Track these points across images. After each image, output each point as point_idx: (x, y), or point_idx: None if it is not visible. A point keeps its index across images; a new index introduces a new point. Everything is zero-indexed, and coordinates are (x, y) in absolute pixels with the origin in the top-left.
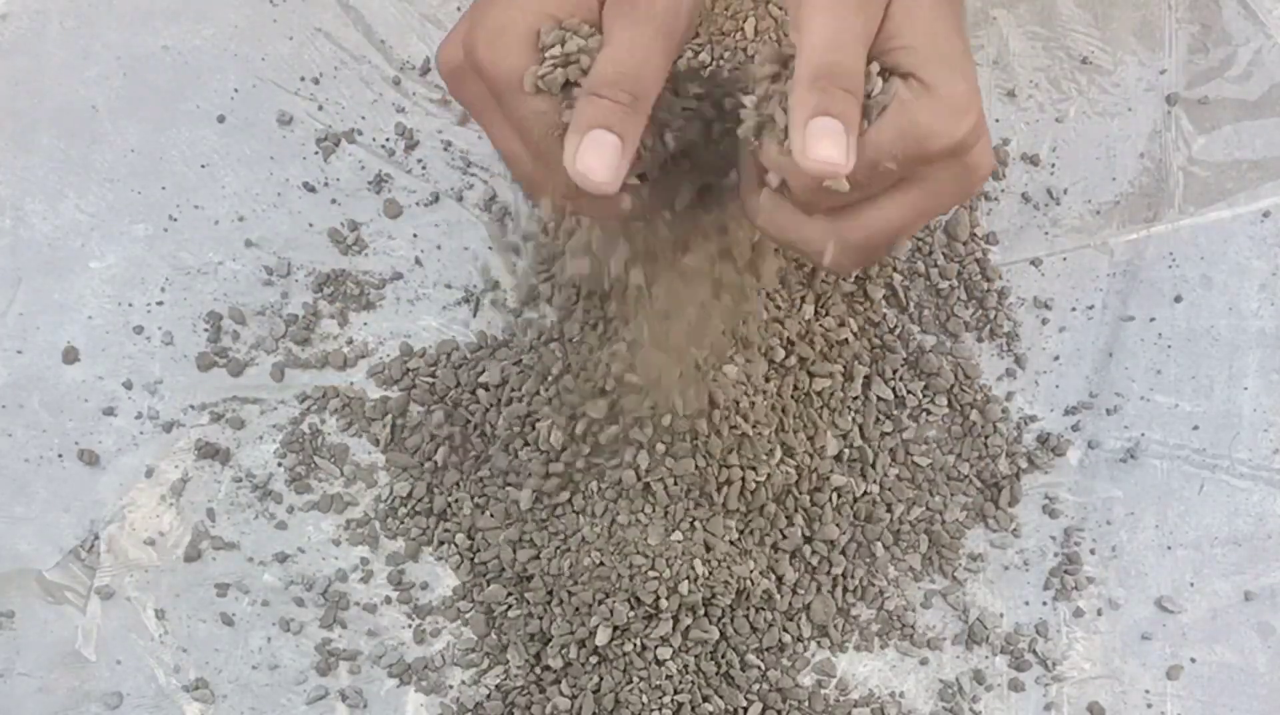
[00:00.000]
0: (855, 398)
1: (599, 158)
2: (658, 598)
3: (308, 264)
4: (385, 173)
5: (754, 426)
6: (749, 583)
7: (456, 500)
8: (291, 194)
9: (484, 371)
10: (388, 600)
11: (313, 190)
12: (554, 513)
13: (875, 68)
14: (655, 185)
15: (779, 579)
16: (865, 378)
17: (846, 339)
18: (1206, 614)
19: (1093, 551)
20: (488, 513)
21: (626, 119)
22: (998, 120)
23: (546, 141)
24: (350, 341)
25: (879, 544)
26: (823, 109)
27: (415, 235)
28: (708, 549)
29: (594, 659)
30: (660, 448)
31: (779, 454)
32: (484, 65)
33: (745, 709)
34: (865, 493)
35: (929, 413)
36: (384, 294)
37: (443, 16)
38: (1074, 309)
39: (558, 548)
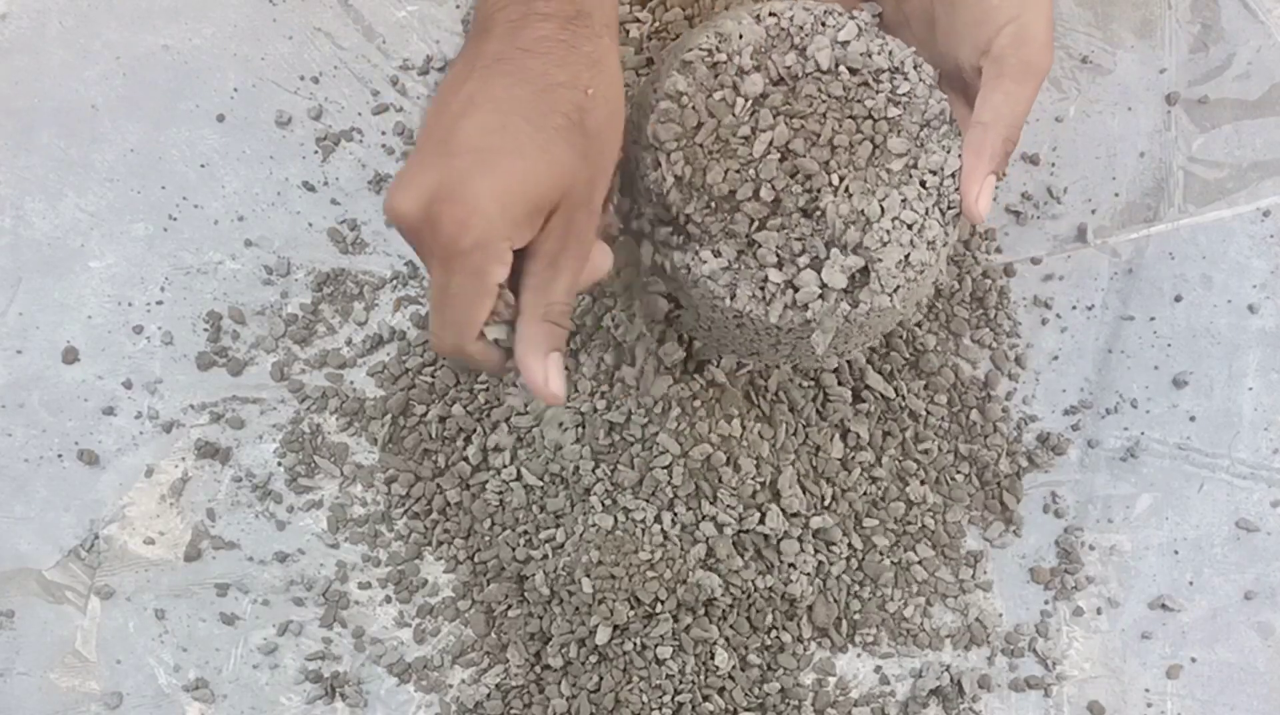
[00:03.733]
0: (857, 399)
1: (559, 375)
2: (657, 598)
3: (308, 264)
4: (385, 173)
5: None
6: (751, 585)
7: (457, 500)
8: (291, 194)
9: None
10: (388, 600)
11: (312, 190)
12: (554, 513)
13: None
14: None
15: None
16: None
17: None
18: (1206, 613)
19: (1092, 550)
20: (488, 512)
21: (564, 336)
22: None
23: (458, 301)
24: (350, 341)
25: (879, 544)
26: (997, 168)
27: None
28: (708, 550)
29: (594, 658)
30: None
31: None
32: (446, 244)
33: (745, 709)
34: (865, 493)
35: (929, 413)
36: (384, 294)
37: (443, 16)
38: (1074, 308)
39: (554, 548)
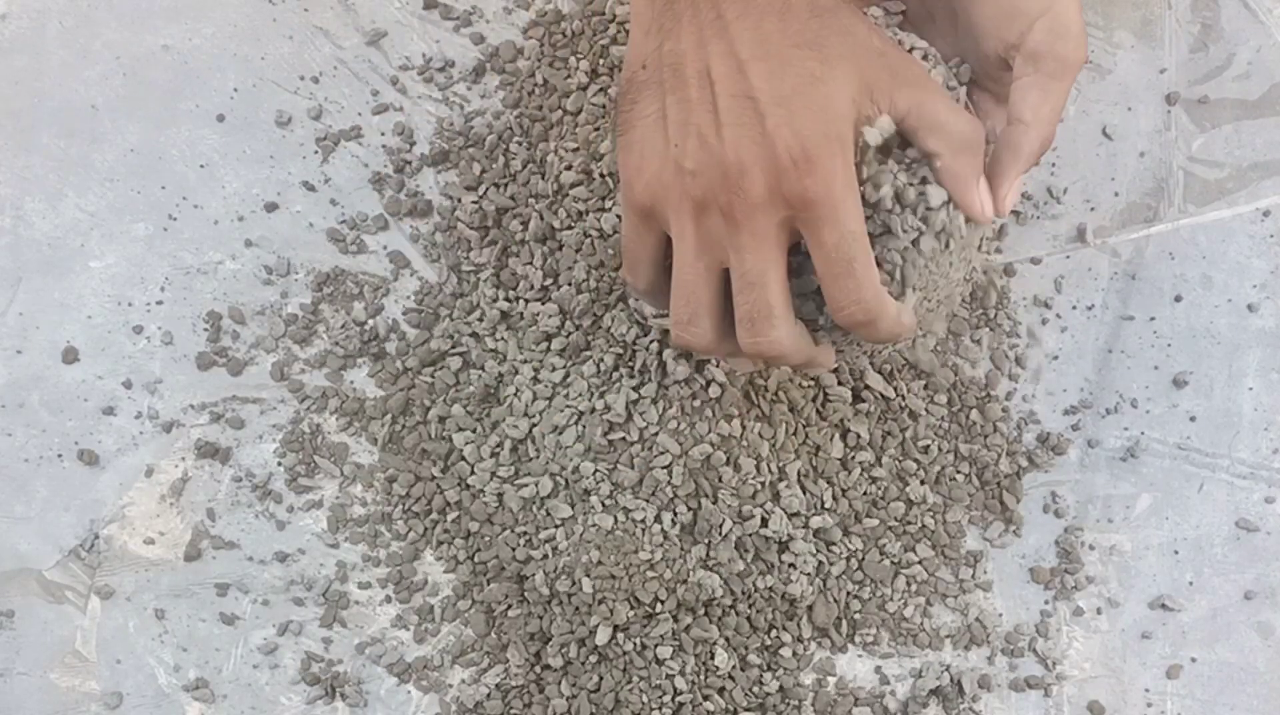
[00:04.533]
0: (857, 399)
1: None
2: (657, 598)
3: (308, 263)
4: (385, 173)
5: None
6: (751, 586)
7: (457, 500)
8: (291, 194)
9: (483, 369)
10: (388, 600)
11: (313, 190)
12: (553, 513)
13: None
14: None
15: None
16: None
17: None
18: (1206, 613)
19: (1092, 550)
20: (488, 513)
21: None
22: None
23: (862, 239)
24: (350, 341)
25: (879, 544)
26: (1031, 166)
27: (415, 234)
28: (708, 550)
29: (594, 658)
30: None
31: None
32: (814, 198)
33: (745, 709)
34: (865, 493)
35: (929, 413)
36: (383, 293)
37: (442, 15)
38: (1074, 308)
39: (554, 548)
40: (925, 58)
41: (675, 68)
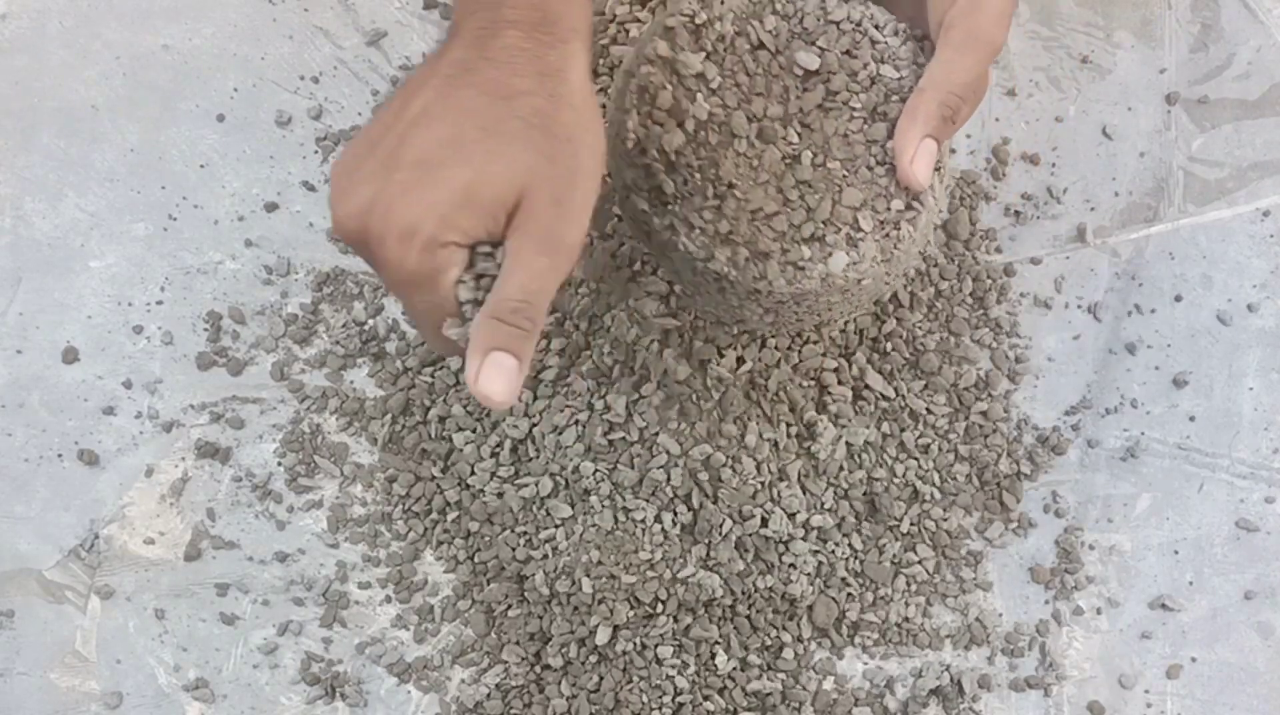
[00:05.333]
0: (857, 399)
1: (500, 379)
2: (657, 598)
3: (307, 263)
4: None
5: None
6: (751, 586)
7: (456, 500)
8: (291, 194)
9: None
10: (388, 600)
11: (313, 189)
12: (553, 513)
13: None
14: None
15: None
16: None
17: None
18: (1206, 613)
19: (1092, 550)
20: (487, 513)
21: (524, 342)
22: (998, 119)
23: (428, 318)
24: (350, 341)
25: (879, 545)
26: (932, 132)
27: None
28: (708, 550)
29: (594, 658)
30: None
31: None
32: (390, 259)
33: (745, 709)
34: (866, 492)
35: (929, 412)
36: (383, 293)
37: (442, 15)
38: (1074, 308)
39: (554, 548)
40: (897, 33)
41: (401, 92)
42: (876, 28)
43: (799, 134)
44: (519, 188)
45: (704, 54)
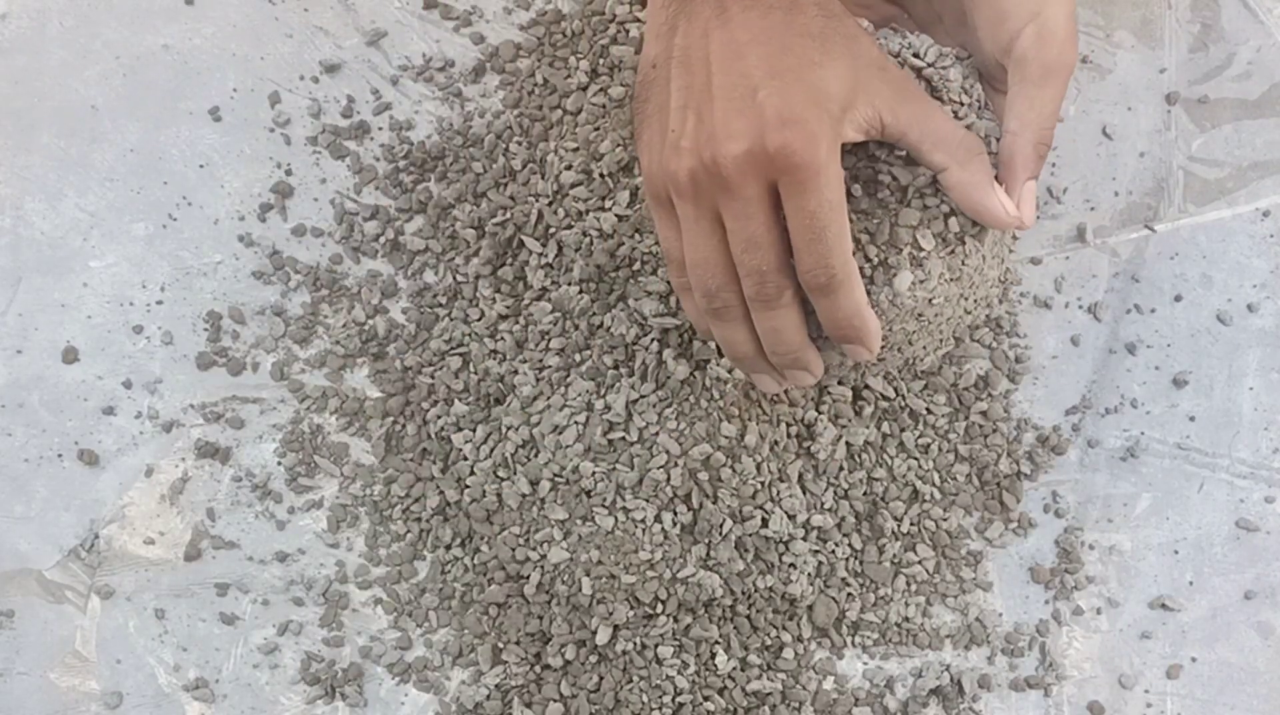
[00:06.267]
0: (857, 399)
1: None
2: (657, 598)
3: (308, 263)
4: (385, 172)
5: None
6: (752, 586)
7: (456, 500)
8: (291, 194)
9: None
10: (388, 600)
11: (312, 190)
12: (551, 514)
13: None
14: None
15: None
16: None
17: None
18: (1206, 613)
19: (1092, 550)
20: (487, 513)
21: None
22: None
23: (831, 215)
24: (350, 341)
25: (879, 544)
26: (1033, 173)
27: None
28: (708, 550)
29: (594, 658)
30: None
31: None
32: (807, 159)
33: (745, 709)
34: (866, 493)
35: (929, 412)
36: (384, 293)
37: (442, 15)
38: (1074, 308)
39: (554, 548)
40: (941, 58)
41: (681, 60)
42: (916, 56)
43: (848, 169)
44: (856, 75)
45: None
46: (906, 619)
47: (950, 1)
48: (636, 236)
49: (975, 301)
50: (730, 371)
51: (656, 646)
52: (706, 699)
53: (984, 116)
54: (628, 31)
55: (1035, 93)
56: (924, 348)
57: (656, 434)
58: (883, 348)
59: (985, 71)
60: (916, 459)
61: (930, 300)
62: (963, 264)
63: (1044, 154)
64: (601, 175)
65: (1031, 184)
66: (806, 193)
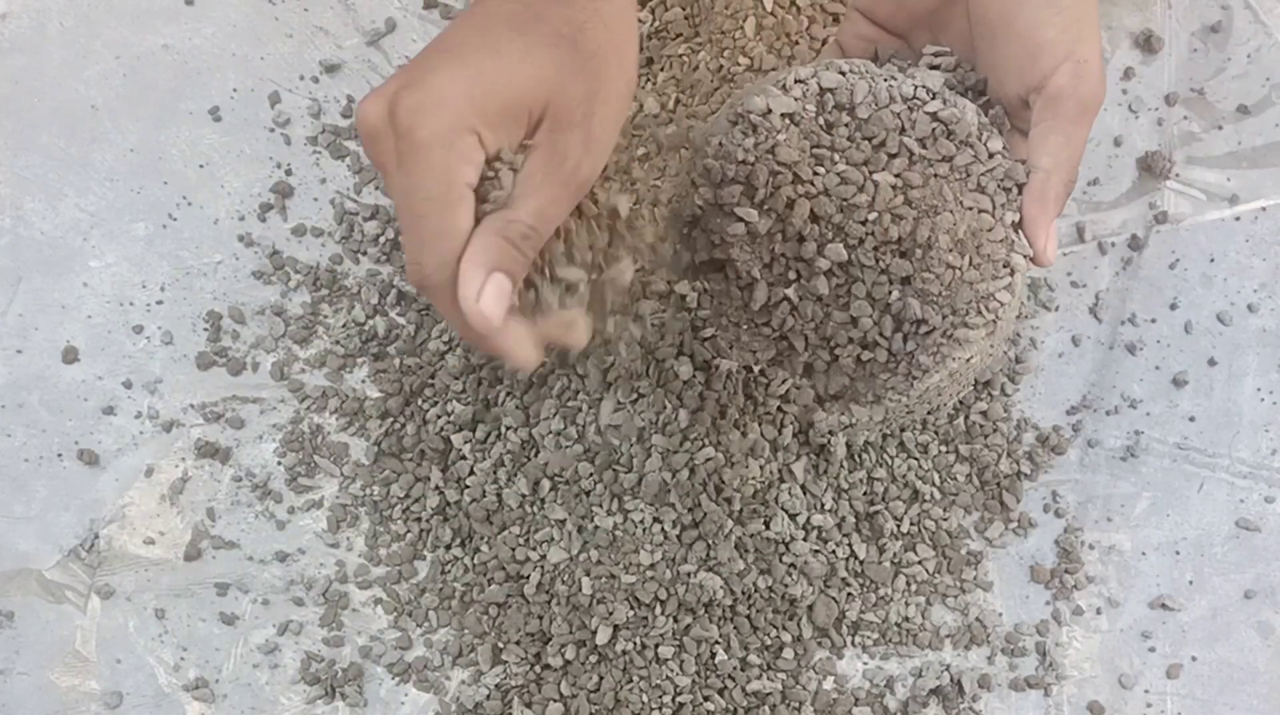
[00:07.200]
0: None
1: (498, 301)
2: (657, 598)
3: (308, 263)
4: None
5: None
6: (752, 586)
7: (456, 500)
8: (291, 194)
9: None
10: (388, 600)
11: (312, 190)
12: (551, 514)
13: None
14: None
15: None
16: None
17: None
18: (1206, 613)
19: (1092, 550)
20: (487, 513)
21: (522, 268)
22: None
23: (426, 207)
24: (350, 341)
25: (879, 544)
26: (1061, 211)
27: None
28: (708, 551)
29: (594, 658)
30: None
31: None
32: (402, 127)
33: (745, 709)
34: (866, 493)
35: (929, 412)
36: (384, 293)
37: (440, 15)
38: (1075, 308)
39: (554, 548)
40: (945, 100)
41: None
42: (932, 95)
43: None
44: (545, 97)
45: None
46: (906, 619)
47: (959, 38)
48: None
49: (999, 345)
50: (731, 373)
51: (657, 646)
52: (706, 699)
53: (1005, 156)
54: None
55: (1071, 130)
56: (948, 398)
57: (656, 434)
58: (913, 406)
59: (1005, 106)
60: (916, 459)
61: (969, 359)
62: (996, 319)
63: (1071, 191)
64: None
65: (1055, 223)
66: (404, 170)
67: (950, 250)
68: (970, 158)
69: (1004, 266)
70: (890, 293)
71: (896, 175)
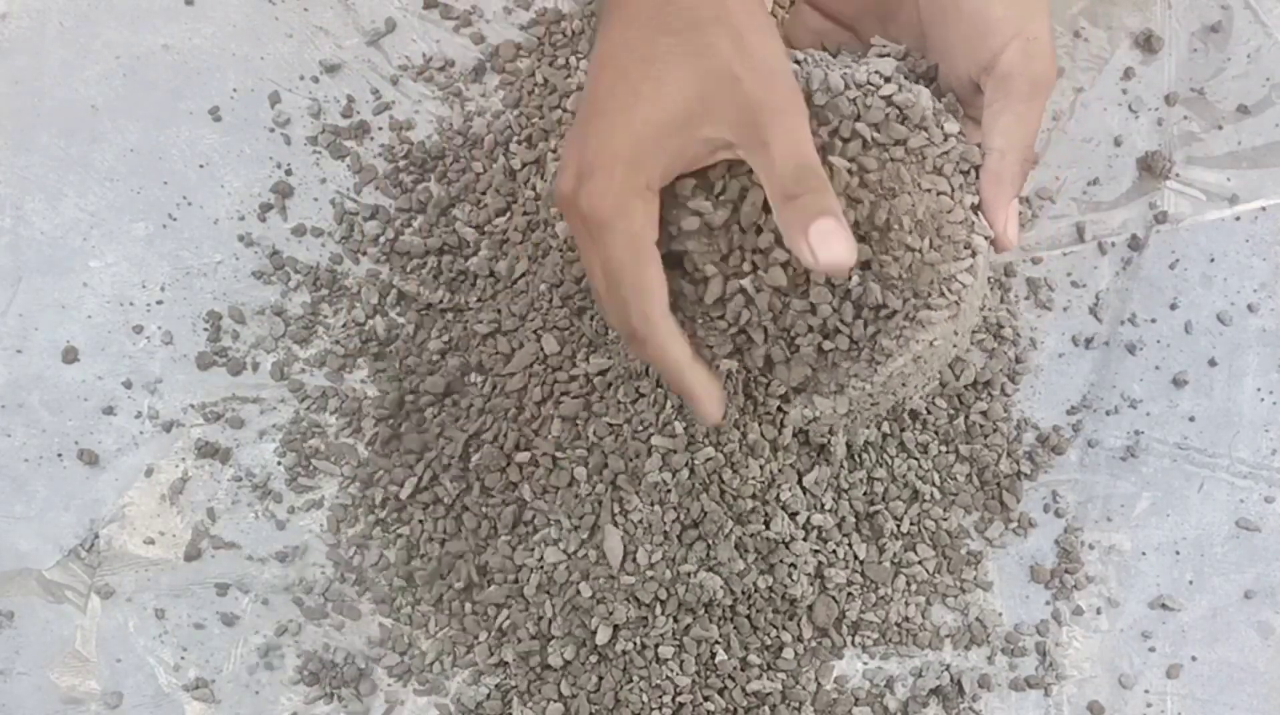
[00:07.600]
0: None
1: (833, 239)
2: (657, 598)
3: (308, 263)
4: (385, 172)
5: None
6: (752, 586)
7: (455, 500)
8: (291, 194)
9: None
10: (387, 600)
11: (312, 190)
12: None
13: None
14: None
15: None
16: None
17: None
18: (1206, 612)
19: (1092, 550)
20: (487, 513)
21: (826, 196)
22: None
23: (621, 274)
24: (350, 341)
25: (879, 544)
26: (1019, 192)
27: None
28: (709, 551)
29: (594, 658)
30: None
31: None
32: (585, 215)
33: (745, 709)
34: (866, 493)
35: (929, 412)
36: (384, 293)
37: (440, 15)
38: (1075, 308)
39: (554, 548)
40: (902, 83)
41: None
42: (886, 80)
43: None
44: (695, 98)
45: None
46: (906, 619)
47: (909, 24)
48: None
49: (963, 333)
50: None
51: (657, 646)
52: (706, 699)
53: (961, 139)
54: None
55: (1023, 109)
56: (914, 389)
57: (655, 434)
58: (877, 396)
59: (956, 91)
60: (916, 459)
61: (931, 342)
62: (958, 301)
63: (1029, 170)
64: None
65: (1015, 202)
66: (597, 245)
67: (910, 232)
68: (925, 141)
69: (965, 247)
70: (850, 278)
71: (851, 159)
